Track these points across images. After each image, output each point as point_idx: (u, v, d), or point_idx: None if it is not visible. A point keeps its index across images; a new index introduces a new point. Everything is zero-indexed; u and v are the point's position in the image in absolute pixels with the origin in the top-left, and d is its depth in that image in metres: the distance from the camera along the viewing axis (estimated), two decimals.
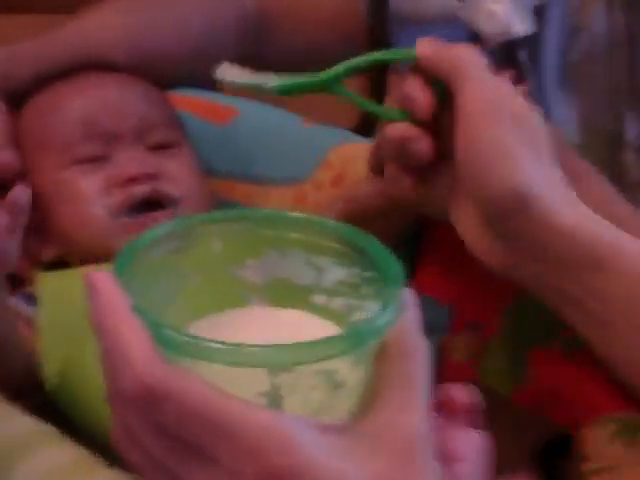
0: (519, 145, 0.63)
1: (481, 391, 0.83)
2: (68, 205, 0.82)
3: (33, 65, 0.88)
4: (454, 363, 0.84)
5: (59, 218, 0.83)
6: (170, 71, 0.93)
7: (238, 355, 0.47)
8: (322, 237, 0.57)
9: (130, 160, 0.83)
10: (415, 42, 0.97)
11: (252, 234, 0.58)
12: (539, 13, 0.85)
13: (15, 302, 0.78)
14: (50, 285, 0.80)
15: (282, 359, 0.48)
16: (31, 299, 0.78)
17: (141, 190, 0.81)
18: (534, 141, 0.64)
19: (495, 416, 0.78)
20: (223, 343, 0.48)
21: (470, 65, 0.63)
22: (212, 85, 0.98)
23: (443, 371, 0.82)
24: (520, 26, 0.82)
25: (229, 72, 0.76)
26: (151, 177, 0.82)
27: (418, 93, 0.65)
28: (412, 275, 0.84)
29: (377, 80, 0.83)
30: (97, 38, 0.90)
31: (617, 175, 0.93)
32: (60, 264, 0.85)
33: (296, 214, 0.59)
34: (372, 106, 0.72)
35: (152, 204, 0.82)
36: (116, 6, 0.94)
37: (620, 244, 0.64)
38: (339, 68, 0.70)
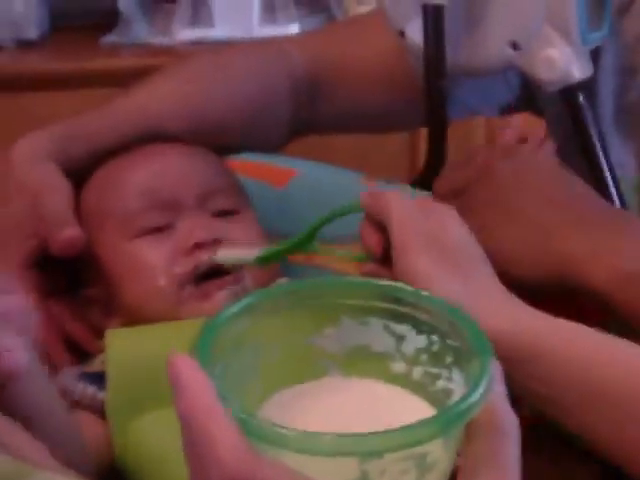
0: (435, 267, 0.69)
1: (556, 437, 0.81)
2: (134, 278, 0.82)
3: (91, 141, 0.88)
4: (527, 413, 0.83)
5: (125, 291, 0.82)
6: (228, 138, 0.94)
7: (328, 446, 0.47)
8: (400, 304, 0.57)
9: (195, 227, 0.82)
10: (469, 94, 0.97)
11: (330, 303, 0.58)
12: (594, 56, 0.84)
13: (82, 386, 0.77)
14: (117, 343, 0.78)
15: (373, 448, 0.47)
16: (97, 380, 0.76)
17: (207, 256, 0.81)
18: (457, 259, 0.70)
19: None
20: (312, 434, 0.47)
21: (393, 208, 0.71)
22: (270, 148, 0.98)
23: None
24: (579, 71, 0.81)
25: (222, 253, 0.81)
26: (216, 243, 0.82)
27: (369, 238, 0.74)
28: None
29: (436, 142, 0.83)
30: (155, 110, 0.90)
31: None
32: None
33: (373, 281, 0.59)
34: (340, 253, 0.80)
35: (217, 271, 0.81)
36: (169, 77, 0.94)
37: (553, 336, 0.68)
38: (305, 231, 0.78)
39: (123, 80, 0.97)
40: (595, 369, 0.67)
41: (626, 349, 0.68)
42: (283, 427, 0.47)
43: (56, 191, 0.85)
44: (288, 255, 0.81)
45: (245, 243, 0.82)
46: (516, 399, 0.56)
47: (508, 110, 1.06)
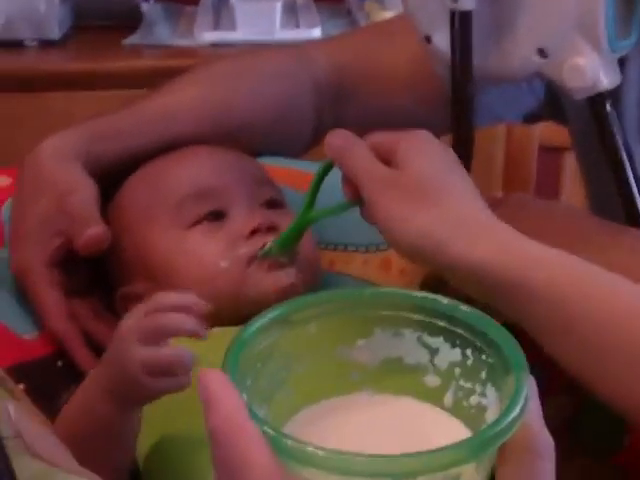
0: (396, 207, 0.71)
1: (575, 454, 0.81)
2: (194, 265, 0.82)
3: (116, 143, 0.89)
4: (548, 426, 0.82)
5: (183, 280, 0.82)
6: (252, 142, 0.94)
7: (361, 466, 0.46)
8: (436, 317, 0.56)
9: (249, 214, 0.84)
10: (494, 101, 0.97)
11: (362, 314, 0.57)
12: (620, 64, 0.84)
13: None
14: None
15: (406, 469, 0.46)
16: None
17: (264, 241, 0.82)
18: (422, 193, 0.71)
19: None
20: (345, 454, 0.46)
21: (355, 162, 0.75)
22: (294, 152, 0.98)
23: None
24: (607, 79, 0.80)
25: None
26: (271, 230, 0.83)
27: (345, 188, 0.76)
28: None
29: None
30: (181, 114, 0.91)
31: None
32: None
33: (405, 292, 0.58)
34: (332, 208, 0.81)
35: None
36: (194, 81, 0.95)
37: (532, 267, 0.68)
38: (306, 199, 0.80)
39: (145, 81, 0.98)
40: (577, 299, 0.66)
41: (615, 281, 0.67)
42: (315, 446, 0.46)
43: (81, 189, 0.85)
44: (299, 230, 0.81)
45: None
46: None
47: (532, 118, 1.05)
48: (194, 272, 0.82)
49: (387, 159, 0.75)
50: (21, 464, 0.54)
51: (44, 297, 0.84)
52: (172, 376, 0.66)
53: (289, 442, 0.47)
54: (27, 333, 0.85)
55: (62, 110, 1.71)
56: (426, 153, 0.75)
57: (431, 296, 0.56)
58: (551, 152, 1.69)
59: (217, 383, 0.48)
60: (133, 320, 0.68)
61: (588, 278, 0.68)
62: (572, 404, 0.83)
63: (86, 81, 1.83)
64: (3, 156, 1.01)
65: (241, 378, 0.50)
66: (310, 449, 0.46)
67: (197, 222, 0.84)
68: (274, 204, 0.87)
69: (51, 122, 0.92)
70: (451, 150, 0.77)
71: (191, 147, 0.89)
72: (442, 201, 0.72)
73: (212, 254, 0.82)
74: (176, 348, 0.67)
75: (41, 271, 0.84)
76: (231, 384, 0.49)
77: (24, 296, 0.86)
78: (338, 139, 0.77)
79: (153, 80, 0.98)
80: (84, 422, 0.70)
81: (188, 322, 0.67)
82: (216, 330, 0.79)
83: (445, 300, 0.56)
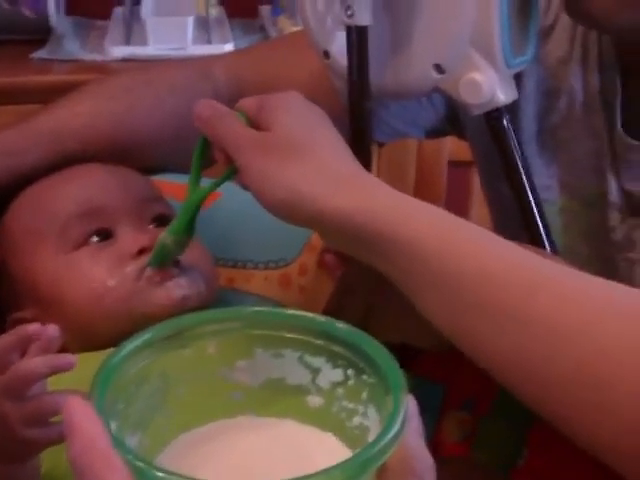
0: (265, 164, 0.71)
1: (475, 470, 0.81)
2: (81, 286, 0.81)
3: (8, 160, 0.87)
4: (449, 443, 0.82)
5: (70, 302, 0.81)
6: (153, 155, 0.93)
7: None
8: (316, 336, 0.55)
9: (136, 233, 0.83)
10: (395, 117, 0.97)
11: (242, 334, 0.56)
12: (517, 80, 0.84)
13: None
14: None
15: None
16: None
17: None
18: (289, 149, 0.71)
19: None
20: None
21: (225, 132, 0.74)
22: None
23: (438, 451, 0.80)
24: (503, 94, 0.81)
25: None
26: None
27: (218, 157, 0.76)
28: (405, 355, 0.82)
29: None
30: (72, 129, 0.89)
31: (602, 236, 0.91)
32: None
33: (288, 311, 0.57)
34: (209, 184, 0.79)
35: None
36: (92, 93, 0.93)
37: (400, 221, 0.67)
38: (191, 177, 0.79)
39: (54, 95, 0.95)
40: (435, 250, 0.66)
41: (484, 236, 0.67)
42: (184, 477, 0.45)
43: None
44: (191, 212, 0.79)
45: None
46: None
47: (435, 133, 1.06)
48: (81, 294, 0.81)
49: (256, 123, 0.75)
50: None
51: None
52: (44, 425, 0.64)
53: (154, 473, 0.45)
54: None
55: None
56: (292, 111, 0.75)
57: (308, 315, 0.56)
58: (460, 166, 1.70)
59: (79, 412, 0.47)
60: None
61: (457, 233, 0.67)
62: (472, 419, 0.83)
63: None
64: None
65: (111, 403, 0.49)
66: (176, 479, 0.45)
67: (83, 243, 0.82)
68: (164, 220, 0.86)
69: None
70: (318, 107, 0.77)
71: (79, 165, 0.88)
72: (309, 155, 0.72)
73: (99, 273, 0.81)
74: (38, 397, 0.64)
75: None
76: (93, 413, 0.47)
77: None
78: (206, 109, 0.76)
79: (63, 94, 0.95)
80: None
81: (40, 364, 0.63)
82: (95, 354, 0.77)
83: (322, 318, 0.55)
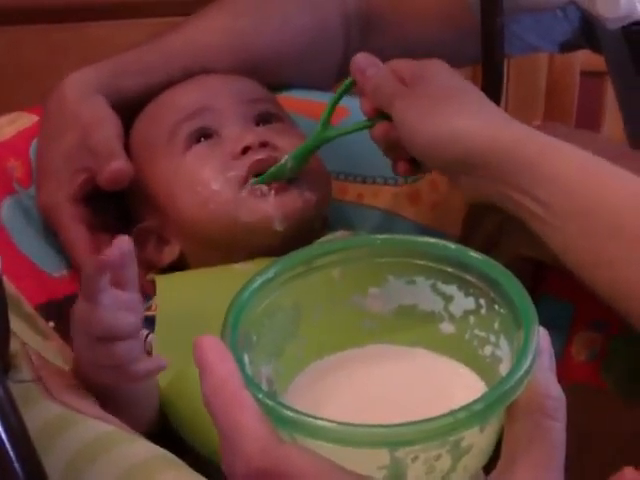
0: (441, 103, 0.74)
1: (601, 394, 0.80)
2: (189, 192, 0.82)
3: (140, 78, 0.88)
4: (576, 363, 0.82)
5: (181, 211, 0.83)
6: (280, 72, 0.93)
7: (357, 436, 0.45)
8: (447, 264, 0.54)
9: (241, 132, 0.83)
10: (528, 31, 0.95)
11: (372, 262, 0.56)
12: None
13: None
14: (166, 288, 0.79)
15: (405, 439, 0.45)
16: (150, 324, 0.76)
17: (257, 157, 0.82)
18: (447, 97, 0.75)
19: (613, 420, 0.75)
20: (342, 426, 0.45)
21: (384, 92, 0.79)
22: (324, 85, 0.97)
23: (564, 371, 0.79)
24: None
25: None
26: (264, 146, 0.82)
27: (365, 106, 0.80)
28: (535, 272, 0.82)
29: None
30: (204, 44, 0.90)
31: None
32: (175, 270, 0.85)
33: (419, 239, 0.56)
34: (352, 126, 0.83)
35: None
36: (219, 11, 0.93)
37: (552, 151, 0.70)
38: (322, 119, 0.82)
39: (191, 8, 0.96)
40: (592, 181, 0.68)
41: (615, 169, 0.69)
42: (311, 416, 0.46)
43: (104, 124, 0.85)
44: (315, 146, 0.83)
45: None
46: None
47: (568, 47, 1.03)
48: (189, 197, 0.82)
49: (409, 81, 0.78)
50: (40, 407, 0.55)
51: (70, 232, 0.84)
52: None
53: (283, 411, 0.46)
54: (57, 271, 0.85)
55: (105, 40, 1.69)
56: (444, 73, 0.78)
57: (441, 242, 0.55)
58: (593, 77, 1.65)
59: (210, 349, 0.48)
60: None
61: (589, 164, 0.69)
62: (602, 338, 0.82)
63: (130, 10, 1.80)
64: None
65: (244, 337, 0.49)
66: (306, 419, 0.46)
67: (190, 145, 0.84)
68: (270, 118, 0.87)
69: (95, 53, 0.91)
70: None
71: (196, 76, 0.89)
72: (460, 98, 0.76)
73: (204, 175, 0.82)
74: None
75: (66, 207, 0.84)
76: (226, 351, 0.48)
77: (53, 234, 0.87)
78: (363, 59, 0.80)
79: (201, 7, 0.96)
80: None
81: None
82: (237, 266, 0.79)
83: (453, 245, 0.55)
